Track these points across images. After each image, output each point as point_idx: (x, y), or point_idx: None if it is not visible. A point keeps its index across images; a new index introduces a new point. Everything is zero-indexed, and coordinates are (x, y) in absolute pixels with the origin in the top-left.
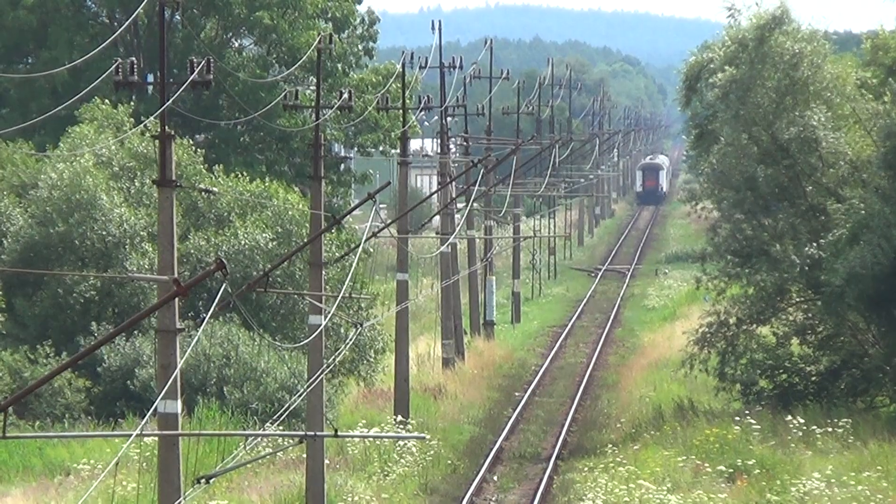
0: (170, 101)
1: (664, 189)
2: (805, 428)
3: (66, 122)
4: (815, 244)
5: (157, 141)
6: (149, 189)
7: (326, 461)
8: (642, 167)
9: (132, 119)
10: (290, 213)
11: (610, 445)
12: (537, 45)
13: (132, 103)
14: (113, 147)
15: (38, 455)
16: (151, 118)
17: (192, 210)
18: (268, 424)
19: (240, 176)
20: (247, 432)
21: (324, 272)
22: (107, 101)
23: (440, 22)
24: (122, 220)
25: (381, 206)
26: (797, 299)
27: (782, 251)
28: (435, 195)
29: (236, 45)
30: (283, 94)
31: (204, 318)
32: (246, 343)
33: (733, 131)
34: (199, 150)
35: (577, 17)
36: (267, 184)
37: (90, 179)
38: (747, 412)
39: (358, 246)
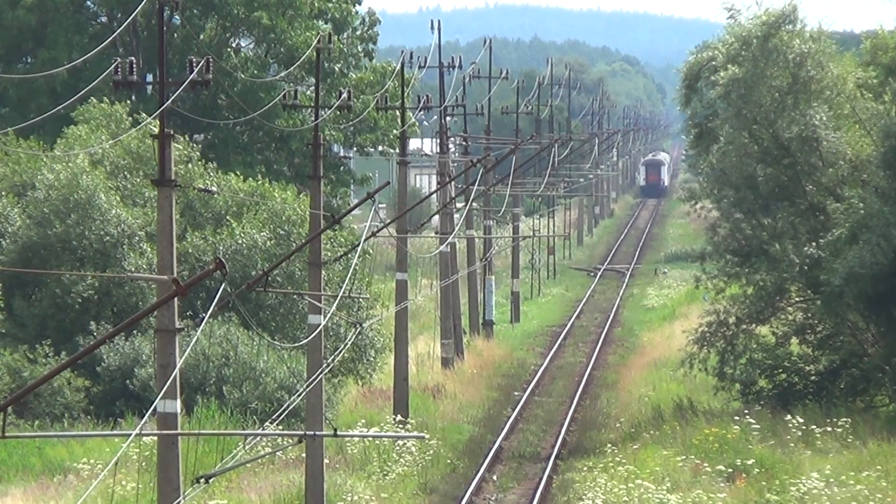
0: (169, 100)
1: (665, 183)
2: (804, 427)
3: (64, 123)
4: (814, 244)
5: (155, 140)
6: (143, 188)
7: (326, 461)
8: (645, 163)
9: (130, 118)
10: (287, 212)
11: (609, 445)
12: (536, 44)
13: (129, 102)
14: (107, 146)
15: (38, 455)
16: (151, 118)
17: (189, 209)
18: (267, 424)
19: (234, 175)
20: (246, 432)
21: (323, 272)
22: (105, 100)
23: (439, 22)
24: (120, 220)
25: (380, 205)
26: (796, 299)
27: (782, 251)
28: (434, 195)
29: (234, 44)
30: (283, 93)
31: (203, 317)
32: (245, 343)
33: (734, 130)
34: (195, 146)
35: (576, 17)
36: (260, 182)
37: (87, 179)
38: (746, 412)
39: (357, 245)
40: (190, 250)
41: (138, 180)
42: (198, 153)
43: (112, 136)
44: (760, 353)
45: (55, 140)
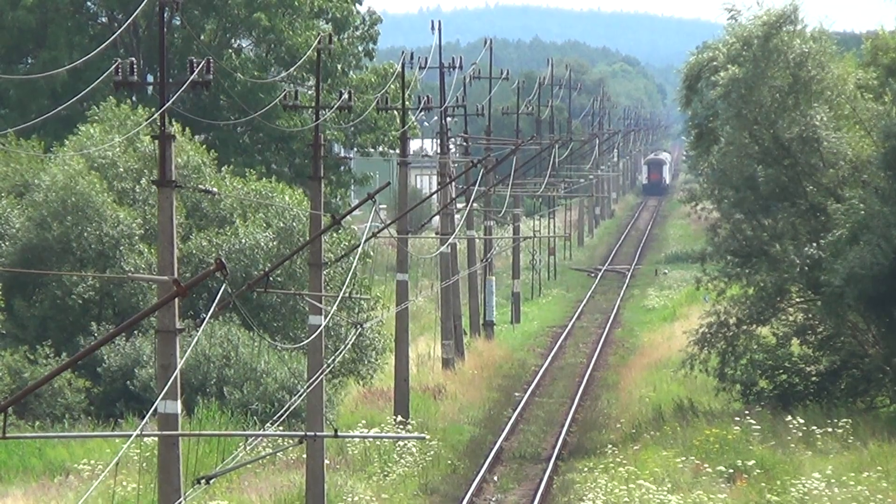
0: (169, 101)
1: (667, 182)
2: (805, 428)
3: (65, 123)
4: (814, 244)
5: (156, 141)
6: (153, 189)
7: (326, 461)
8: (647, 162)
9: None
10: (293, 210)
11: (610, 446)
12: (537, 45)
13: (151, 108)
14: (116, 147)
15: (38, 455)
16: (153, 117)
17: (196, 210)
18: (268, 425)
19: (247, 174)
20: (247, 432)
21: (324, 272)
22: (123, 103)
23: (440, 22)
24: (119, 221)
25: (380, 206)
26: (797, 299)
27: (782, 251)
28: (435, 195)
29: (235, 45)
30: (283, 94)
31: (204, 318)
32: (246, 343)
33: (734, 130)
34: (210, 150)
35: (576, 18)
36: (273, 183)
37: (82, 181)
38: (747, 412)
39: (358, 246)
40: (194, 251)
41: (142, 183)
42: (214, 157)
43: (128, 140)
44: (761, 353)
45: (56, 140)
